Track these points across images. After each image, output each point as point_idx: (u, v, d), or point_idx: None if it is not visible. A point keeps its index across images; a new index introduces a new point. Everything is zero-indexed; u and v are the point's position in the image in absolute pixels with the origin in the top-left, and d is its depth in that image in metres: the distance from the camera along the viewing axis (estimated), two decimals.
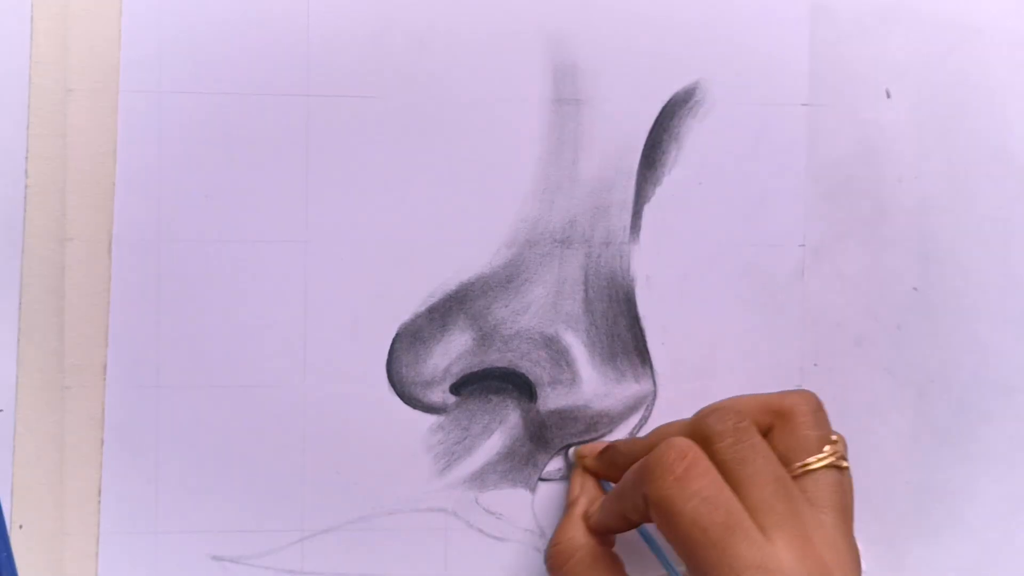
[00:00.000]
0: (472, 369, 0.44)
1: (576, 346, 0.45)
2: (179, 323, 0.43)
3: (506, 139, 0.44)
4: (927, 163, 0.46)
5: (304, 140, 0.43)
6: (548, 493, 0.44)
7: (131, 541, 0.43)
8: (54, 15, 0.42)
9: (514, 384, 0.44)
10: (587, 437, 0.45)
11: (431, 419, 0.44)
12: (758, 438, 0.38)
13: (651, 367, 0.45)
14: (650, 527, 0.41)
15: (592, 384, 0.45)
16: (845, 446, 0.40)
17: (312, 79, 0.43)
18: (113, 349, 0.43)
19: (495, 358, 0.44)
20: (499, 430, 0.44)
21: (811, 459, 0.38)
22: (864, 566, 0.38)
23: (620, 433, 0.45)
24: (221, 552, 0.43)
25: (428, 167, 0.44)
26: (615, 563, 0.41)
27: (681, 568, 0.39)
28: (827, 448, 0.39)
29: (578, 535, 0.41)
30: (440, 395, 0.44)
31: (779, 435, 0.39)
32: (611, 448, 0.43)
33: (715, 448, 0.37)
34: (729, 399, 0.40)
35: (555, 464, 0.45)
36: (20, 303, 0.42)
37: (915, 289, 0.46)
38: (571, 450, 0.44)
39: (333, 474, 0.44)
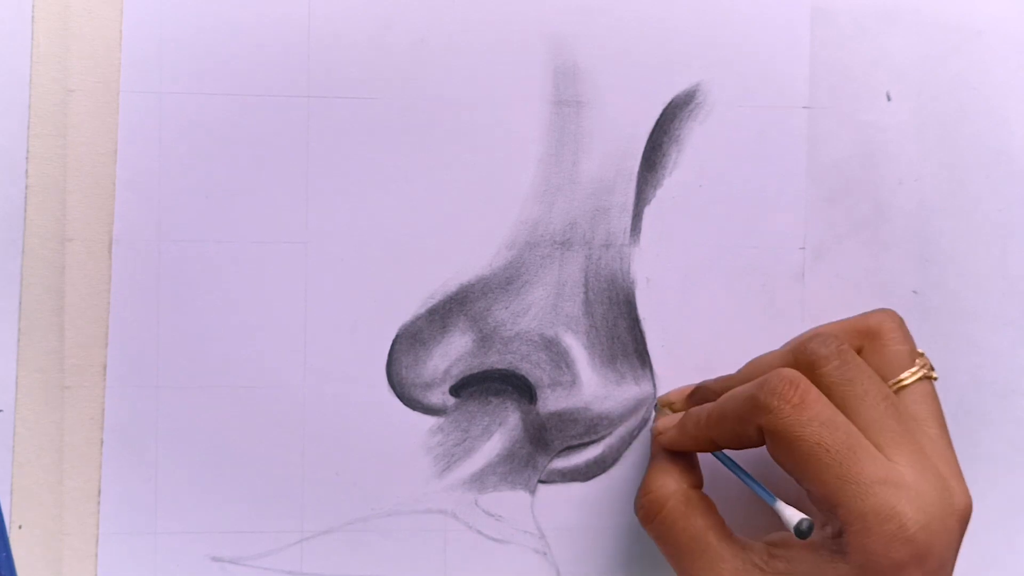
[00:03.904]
0: (472, 371, 0.44)
1: (576, 348, 0.45)
2: (179, 323, 0.43)
3: (506, 141, 0.44)
4: (927, 166, 0.46)
5: (305, 141, 0.43)
6: (548, 495, 0.44)
7: (130, 541, 0.43)
8: (55, 15, 0.42)
9: (514, 386, 0.44)
10: (586, 439, 0.45)
11: (431, 421, 0.44)
12: (860, 359, 0.38)
13: (651, 369, 0.45)
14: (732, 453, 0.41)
15: (592, 386, 0.45)
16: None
17: (313, 80, 0.43)
18: (113, 349, 0.43)
19: (495, 360, 0.44)
20: (499, 432, 0.44)
21: (905, 374, 0.39)
22: None
23: (620, 434, 0.45)
24: (220, 553, 0.43)
25: (428, 168, 0.44)
26: (709, 506, 0.40)
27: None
28: (918, 361, 0.39)
29: (669, 482, 0.41)
30: (440, 397, 0.44)
31: (870, 354, 0.40)
32: (701, 388, 0.43)
33: (821, 372, 0.37)
34: (820, 327, 0.40)
35: (554, 466, 0.45)
36: (20, 303, 0.42)
37: (915, 292, 0.46)
38: (656, 399, 0.44)
39: (333, 475, 0.44)
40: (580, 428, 0.45)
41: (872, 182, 0.46)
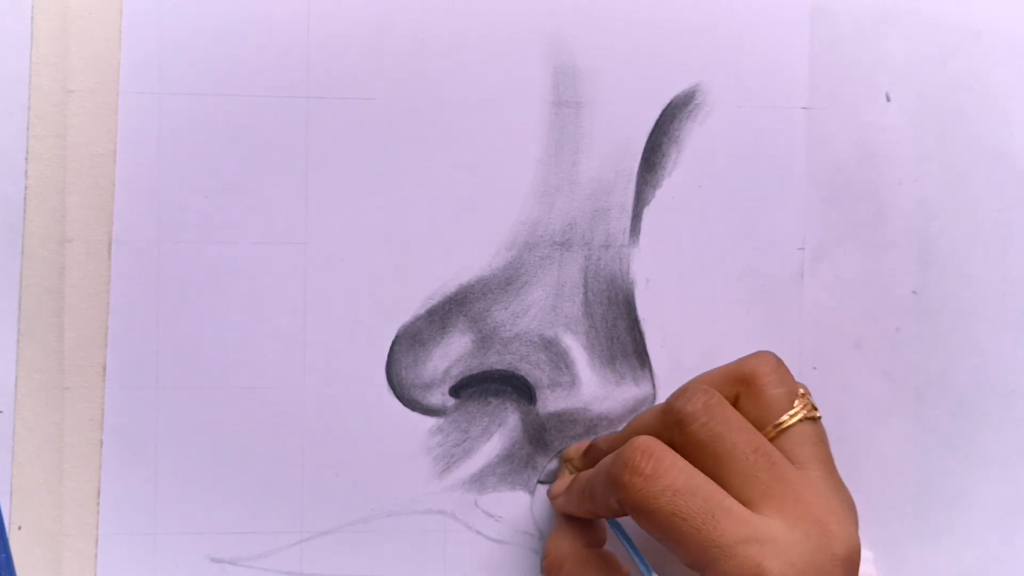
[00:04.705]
0: (471, 371, 0.44)
1: (575, 349, 0.45)
2: (179, 324, 0.43)
3: (506, 141, 0.44)
4: (926, 166, 0.46)
5: (304, 142, 0.43)
6: (547, 496, 0.44)
7: (130, 542, 0.43)
8: (54, 16, 0.42)
9: (513, 387, 0.44)
10: (586, 440, 0.45)
11: (430, 421, 0.44)
12: (729, 410, 0.37)
13: (650, 370, 0.45)
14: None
15: (591, 387, 0.45)
16: (810, 396, 0.39)
17: (312, 81, 0.43)
18: (112, 350, 0.43)
19: (494, 360, 0.44)
20: (498, 432, 0.44)
21: (784, 417, 0.38)
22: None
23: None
24: (220, 553, 0.43)
25: (428, 169, 0.44)
26: (608, 563, 0.41)
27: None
28: (796, 403, 0.38)
29: (564, 543, 0.41)
30: (439, 397, 0.44)
31: (746, 401, 0.39)
32: (592, 446, 0.43)
33: (689, 430, 0.37)
34: (693, 378, 0.40)
35: (554, 466, 0.45)
36: (20, 304, 0.42)
37: (914, 292, 0.46)
38: (561, 453, 0.44)
39: (332, 476, 0.44)
40: (580, 429, 0.45)
41: (871, 183, 0.46)
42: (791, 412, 0.38)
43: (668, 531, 0.35)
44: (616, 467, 0.36)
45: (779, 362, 0.39)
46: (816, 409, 0.39)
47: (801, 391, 0.39)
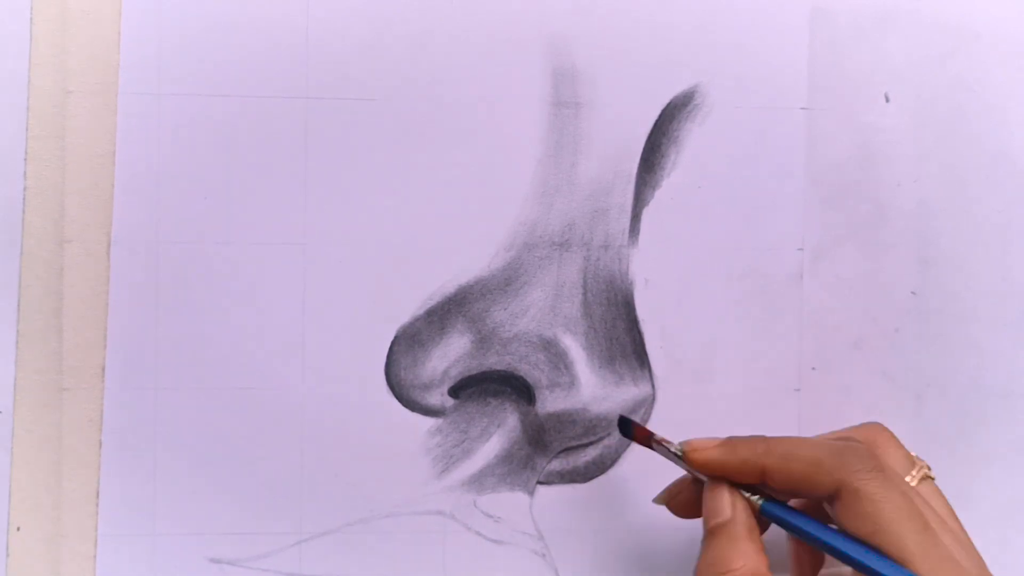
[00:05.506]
0: (470, 372, 0.44)
1: (575, 349, 0.45)
2: (177, 325, 0.43)
3: (505, 142, 0.44)
4: (926, 167, 0.46)
5: (303, 143, 0.43)
6: (546, 496, 0.44)
7: (129, 543, 0.43)
8: (53, 17, 0.42)
9: (512, 387, 0.44)
10: (585, 440, 0.45)
11: (429, 422, 0.44)
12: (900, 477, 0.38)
13: (650, 370, 0.45)
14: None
15: (591, 387, 0.45)
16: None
17: (311, 82, 0.43)
18: (111, 351, 0.43)
19: (493, 361, 0.44)
20: (497, 433, 0.44)
21: (907, 478, 0.39)
22: None
23: (619, 436, 0.45)
24: (219, 554, 0.43)
25: (427, 170, 0.44)
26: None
27: None
28: (917, 462, 0.39)
29: (751, 562, 0.37)
30: (438, 398, 0.44)
31: None
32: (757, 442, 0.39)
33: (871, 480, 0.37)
34: (814, 438, 0.40)
35: (553, 467, 0.45)
36: (19, 305, 0.42)
37: (913, 293, 0.46)
38: (676, 446, 0.39)
39: (331, 477, 0.44)
40: (579, 429, 0.45)
41: (871, 183, 0.46)
42: (913, 472, 0.39)
43: (885, 527, 0.36)
44: (853, 452, 0.37)
45: (888, 429, 0.41)
46: (931, 470, 0.40)
47: (913, 453, 0.40)
